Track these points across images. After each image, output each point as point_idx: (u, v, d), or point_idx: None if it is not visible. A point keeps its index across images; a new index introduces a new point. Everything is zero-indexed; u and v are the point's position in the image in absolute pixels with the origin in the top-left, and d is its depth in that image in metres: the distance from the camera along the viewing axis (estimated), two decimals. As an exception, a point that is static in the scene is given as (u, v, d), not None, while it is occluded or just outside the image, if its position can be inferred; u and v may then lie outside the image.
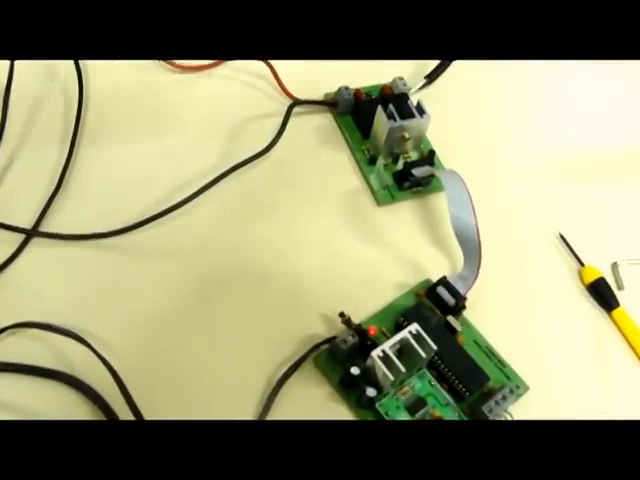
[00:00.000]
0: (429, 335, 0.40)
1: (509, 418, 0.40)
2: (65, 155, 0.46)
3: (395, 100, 0.49)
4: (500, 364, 0.43)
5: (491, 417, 0.40)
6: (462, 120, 0.54)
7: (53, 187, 0.44)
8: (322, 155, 0.49)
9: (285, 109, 0.50)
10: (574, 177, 0.52)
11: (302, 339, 0.42)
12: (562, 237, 0.48)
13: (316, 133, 0.50)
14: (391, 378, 0.38)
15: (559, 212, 0.50)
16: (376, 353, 0.39)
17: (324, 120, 0.51)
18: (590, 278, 0.47)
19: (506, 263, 0.46)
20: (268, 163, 0.48)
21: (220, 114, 0.50)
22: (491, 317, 0.44)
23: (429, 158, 0.48)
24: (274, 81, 0.50)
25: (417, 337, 0.40)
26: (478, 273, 0.43)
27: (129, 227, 0.43)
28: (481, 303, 0.44)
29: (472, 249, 0.44)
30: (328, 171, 0.49)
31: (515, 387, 0.41)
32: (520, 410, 0.40)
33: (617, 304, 0.46)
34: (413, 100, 0.49)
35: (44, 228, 0.43)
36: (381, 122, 0.47)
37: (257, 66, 0.51)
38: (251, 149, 0.48)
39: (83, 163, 0.46)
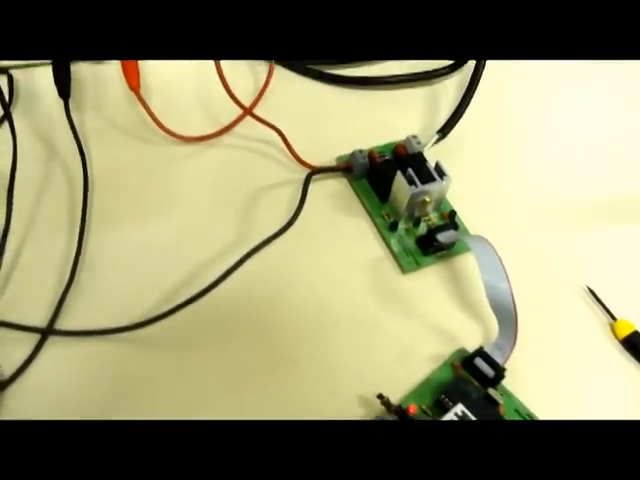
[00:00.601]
0: (471, 410, 0.39)
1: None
2: (75, 244, 0.44)
3: (412, 161, 0.47)
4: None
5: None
6: (477, 173, 0.52)
7: (66, 280, 0.42)
8: (341, 223, 0.48)
9: (298, 176, 0.49)
10: (593, 223, 0.52)
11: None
12: (590, 290, 0.47)
13: (332, 200, 0.49)
14: None
15: (583, 263, 0.49)
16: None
17: (339, 185, 0.50)
18: (624, 332, 0.45)
19: (536, 323, 0.45)
20: (287, 236, 0.46)
21: (232, 186, 0.49)
22: (528, 383, 0.43)
23: (452, 220, 0.47)
24: (284, 147, 0.49)
25: (463, 419, 0.39)
26: (515, 342, 0.42)
27: (150, 320, 0.41)
28: (517, 369, 0.43)
29: (507, 317, 0.42)
30: (348, 240, 0.47)
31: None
32: None
33: (656, 362, 0.45)
34: (428, 157, 0.48)
35: (60, 325, 0.41)
36: (401, 187, 0.46)
37: (265, 133, 0.50)
38: (269, 223, 0.46)
39: (94, 251, 0.44)
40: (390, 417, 0.39)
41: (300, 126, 0.51)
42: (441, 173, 0.46)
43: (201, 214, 0.47)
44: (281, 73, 0.56)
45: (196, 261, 0.45)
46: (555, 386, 0.43)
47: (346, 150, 0.51)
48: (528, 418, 0.42)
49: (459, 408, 0.39)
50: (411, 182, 0.45)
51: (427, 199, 0.46)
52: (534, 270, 0.48)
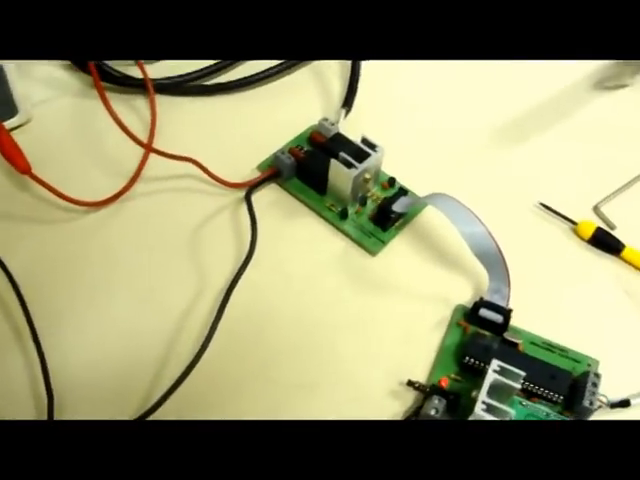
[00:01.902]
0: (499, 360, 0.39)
1: (605, 401, 0.40)
2: (35, 357, 0.39)
3: (335, 144, 0.46)
4: (563, 352, 0.42)
5: (594, 408, 0.39)
6: (393, 135, 0.50)
7: (44, 398, 0.38)
8: (292, 230, 0.46)
9: (228, 199, 0.46)
10: (519, 143, 0.52)
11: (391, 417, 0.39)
12: (544, 205, 0.48)
13: (274, 210, 0.46)
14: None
15: (524, 182, 0.50)
16: (480, 408, 0.37)
17: (273, 194, 0.47)
18: (588, 232, 0.47)
19: (513, 253, 0.44)
20: (254, 266, 0.43)
21: (168, 235, 0.45)
22: (528, 312, 0.43)
23: (396, 187, 0.46)
24: (202, 174, 0.46)
25: (503, 372, 0.38)
26: (509, 280, 0.42)
27: (152, 408, 0.37)
28: (511, 303, 0.43)
29: (494, 258, 0.42)
30: (307, 244, 0.45)
31: (594, 370, 0.41)
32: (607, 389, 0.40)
33: (623, 244, 0.47)
34: (346, 134, 0.47)
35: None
36: (341, 174, 0.44)
37: (175, 167, 0.47)
38: (226, 257, 0.44)
39: (57, 357, 0.40)
40: (435, 400, 0.38)
41: (205, 148, 0.48)
42: (371, 146, 0.45)
43: (150, 276, 0.43)
44: (161, 101, 0.51)
45: (170, 329, 0.41)
46: (552, 305, 0.44)
47: (261, 157, 0.48)
48: (545, 346, 0.43)
49: (495, 364, 0.38)
50: (349, 165, 0.44)
51: (367, 176, 0.45)
52: (488, 202, 0.46)
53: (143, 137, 0.48)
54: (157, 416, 0.37)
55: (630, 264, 0.46)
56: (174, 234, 0.45)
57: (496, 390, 0.38)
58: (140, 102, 0.51)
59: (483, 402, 0.37)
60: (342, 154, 0.44)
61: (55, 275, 0.43)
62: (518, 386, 0.38)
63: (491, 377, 0.38)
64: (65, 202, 0.45)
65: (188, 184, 0.47)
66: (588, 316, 0.44)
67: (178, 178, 0.47)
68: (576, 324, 0.44)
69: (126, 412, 0.38)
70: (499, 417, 0.37)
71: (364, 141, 0.45)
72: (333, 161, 0.44)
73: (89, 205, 0.45)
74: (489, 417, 0.37)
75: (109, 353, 0.40)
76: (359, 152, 0.45)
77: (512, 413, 0.37)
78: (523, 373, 0.38)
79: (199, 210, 0.46)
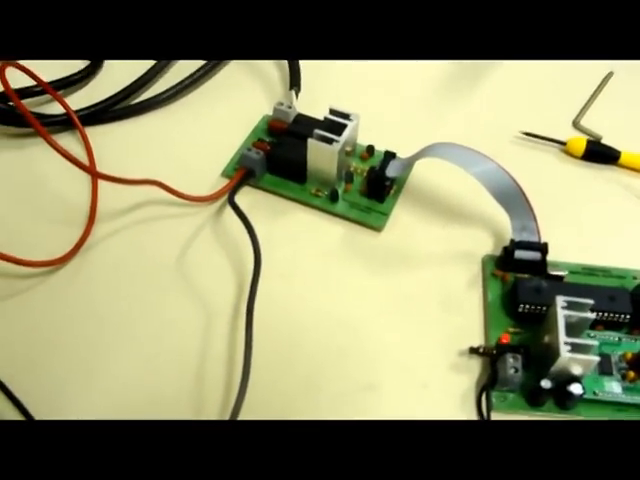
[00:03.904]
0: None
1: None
2: None
3: (302, 127, 0.41)
4: (605, 272, 0.40)
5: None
6: (354, 100, 0.44)
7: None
8: (284, 230, 0.41)
9: (203, 215, 0.41)
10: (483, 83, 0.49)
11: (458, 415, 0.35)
12: (527, 133, 0.45)
13: (255, 214, 0.40)
14: (597, 358, 0.33)
15: (502, 115, 0.47)
16: (565, 350, 0.33)
17: (249, 196, 0.42)
18: (580, 148, 0.44)
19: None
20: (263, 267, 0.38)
21: (155, 271, 0.39)
22: (555, 242, 0.39)
23: (382, 153, 0.42)
24: (166, 196, 0.40)
25: (571, 305, 0.35)
26: (533, 211, 0.39)
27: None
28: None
29: (512, 193, 0.39)
30: (306, 240, 0.40)
31: None
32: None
33: (618, 151, 0.44)
34: (306, 112, 0.43)
35: None
36: (322, 153, 0.39)
37: (133, 195, 0.41)
38: (227, 279, 0.39)
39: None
40: (510, 359, 0.34)
41: (157, 169, 0.42)
42: (343, 115, 0.41)
43: (148, 324, 0.37)
44: (90, 133, 0.45)
45: (192, 378, 0.35)
46: (574, 229, 0.42)
47: (222, 162, 0.43)
48: (587, 271, 0.40)
49: (560, 300, 0.35)
50: (329, 141, 0.39)
51: (349, 149, 0.41)
52: (471, 144, 0.41)
53: (85, 179, 0.42)
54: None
55: (630, 169, 0.44)
56: (158, 269, 0.39)
57: (569, 328, 0.34)
58: (67, 139, 0.45)
59: (565, 343, 0.34)
60: (317, 131, 0.39)
61: (36, 355, 0.36)
62: (592, 315, 0.35)
63: (562, 315, 0.35)
64: (21, 267, 0.38)
65: (153, 211, 0.41)
66: (612, 230, 0.42)
67: (140, 207, 0.41)
68: (604, 241, 0.41)
69: None
70: (585, 353, 0.34)
71: (333, 112, 0.41)
72: (310, 141, 0.39)
73: (49, 264, 0.38)
74: (578, 356, 0.34)
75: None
76: (333, 125, 0.40)
77: (596, 343, 0.34)
78: (591, 301, 0.35)
79: (175, 236, 0.40)
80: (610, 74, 0.49)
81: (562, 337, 0.34)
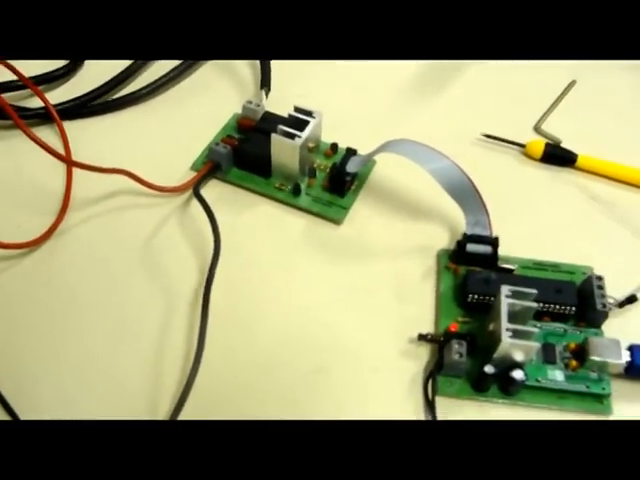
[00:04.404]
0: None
1: (612, 301, 0.39)
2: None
3: (269, 124, 0.43)
4: (555, 267, 0.41)
5: (607, 309, 0.38)
6: (322, 98, 0.48)
7: None
8: (248, 222, 0.42)
9: (169, 206, 0.43)
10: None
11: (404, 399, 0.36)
12: (487, 135, 0.47)
13: (222, 205, 0.42)
14: (538, 344, 0.35)
15: (464, 118, 0.49)
16: (506, 336, 0.35)
17: (216, 189, 0.44)
18: (539, 151, 0.46)
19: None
20: (221, 265, 0.39)
21: (120, 259, 0.41)
22: (507, 239, 0.41)
23: (344, 150, 0.44)
24: (135, 186, 0.42)
25: (515, 294, 0.36)
26: (486, 208, 0.40)
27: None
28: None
29: (465, 189, 0.40)
30: (269, 231, 0.42)
31: (597, 278, 0.39)
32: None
33: (575, 154, 0.46)
34: (275, 111, 0.45)
35: None
36: (284, 148, 0.41)
37: (104, 185, 0.43)
38: (190, 266, 0.40)
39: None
40: (455, 345, 0.36)
41: (130, 161, 0.43)
42: (307, 113, 0.42)
43: (114, 306, 0.39)
44: (69, 127, 0.46)
45: (153, 355, 0.37)
46: (528, 227, 0.43)
47: (192, 157, 0.45)
48: (536, 266, 0.41)
49: (504, 290, 0.36)
50: (292, 136, 0.41)
51: (311, 145, 0.43)
52: (433, 144, 0.42)
53: (60, 169, 0.44)
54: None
55: (587, 171, 0.46)
56: (125, 256, 0.41)
57: (513, 316, 0.36)
58: (46, 132, 0.47)
59: (507, 329, 0.35)
60: (281, 127, 0.41)
61: (8, 333, 0.38)
62: (534, 305, 0.36)
63: (505, 303, 0.36)
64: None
65: (123, 201, 0.43)
66: (566, 229, 0.43)
67: (111, 197, 0.43)
68: (557, 239, 0.43)
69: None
70: (525, 339, 0.35)
71: (297, 110, 0.43)
72: (274, 136, 0.41)
73: (23, 246, 0.40)
74: (518, 342, 0.35)
75: (93, 402, 0.35)
76: (296, 122, 0.42)
77: (536, 330, 0.35)
78: (534, 291, 0.37)
79: (143, 223, 0.42)
80: (573, 82, 0.51)
81: (504, 324, 0.35)
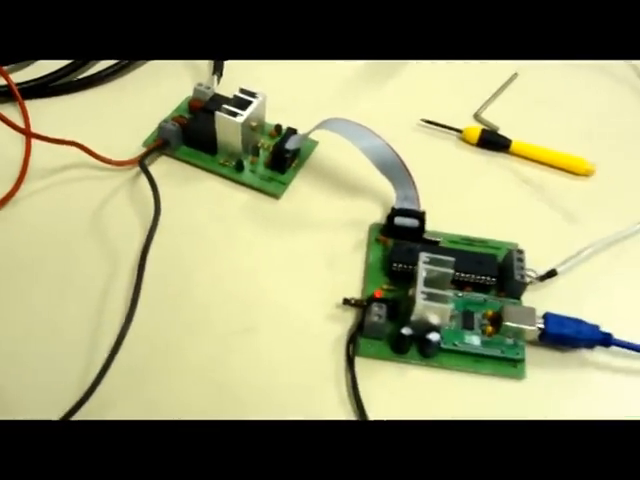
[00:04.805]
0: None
1: (534, 275, 0.42)
2: None
3: (216, 103, 0.45)
4: (482, 242, 0.44)
5: (526, 282, 0.40)
6: (270, 83, 0.49)
7: None
8: (193, 195, 0.45)
9: (121, 179, 0.45)
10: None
11: (328, 359, 0.39)
12: (427, 120, 0.50)
13: (169, 179, 0.45)
14: (451, 306, 0.37)
15: (405, 103, 0.52)
16: (420, 298, 0.37)
17: (163, 165, 0.46)
18: (475, 136, 0.49)
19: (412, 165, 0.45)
20: (161, 230, 0.42)
21: (71, 225, 0.43)
22: (439, 217, 0.44)
23: (285, 131, 0.47)
24: (92, 161, 0.45)
25: (433, 262, 0.39)
26: (414, 183, 0.43)
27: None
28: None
29: (395, 167, 0.43)
30: (212, 204, 0.45)
31: (517, 252, 0.42)
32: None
33: (509, 140, 0.48)
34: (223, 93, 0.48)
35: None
36: (228, 126, 0.44)
37: (65, 155, 0.45)
38: (134, 233, 0.43)
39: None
40: (375, 308, 0.38)
41: (86, 137, 0.45)
42: (251, 94, 0.45)
43: (60, 268, 0.41)
44: (30, 105, 0.49)
45: (92, 312, 0.39)
46: (460, 207, 0.46)
47: (144, 136, 0.48)
48: (464, 241, 0.43)
49: (423, 256, 0.39)
50: (234, 114, 0.44)
51: (254, 124, 0.45)
52: (375, 127, 0.45)
53: (19, 142, 0.46)
54: (93, 401, 0.35)
55: (520, 156, 0.48)
56: (75, 223, 0.43)
57: (431, 283, 0.38)
58: (9, 109, 0.49)
59: (422, 292, 0.38)
60: (224, 106, 0.44)
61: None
62: (451, 271, 0.39)
63: (423, 269, 0.39)
64: None
65: (76, 173, 0.46)
66: (497, 208, 0.46)
67: (65, 169, 0.46)
68: (487, 218, 0.45)
69: (60, 404, 0.35)
70: (440, 303, 0.37)
71: (243, 91, 0.45)
72: (218, 114, 0.44)
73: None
74: (432, 304, 0.37)
75: (35, 347, 0.38)
76: (240, 102, 0.45)
77: (450, 294, 0.38)
78: (452, 259, 0.39)
79: (94, 194, 0.45)
80: (515, 75, 0.53)
81: (420, 287, 0.37)
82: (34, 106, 0.49)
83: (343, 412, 0.37)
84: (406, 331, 0.38)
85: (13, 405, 0.36)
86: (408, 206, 0.43)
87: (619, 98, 0.54)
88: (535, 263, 0.41)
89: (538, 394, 0.38)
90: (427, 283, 0.38)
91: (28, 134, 0.45)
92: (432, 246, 0.42)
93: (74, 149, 0.44)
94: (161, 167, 0.46)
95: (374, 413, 0.36)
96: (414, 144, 0.48)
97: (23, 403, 0.36)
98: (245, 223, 0.44)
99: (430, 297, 0.37)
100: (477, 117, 0.50)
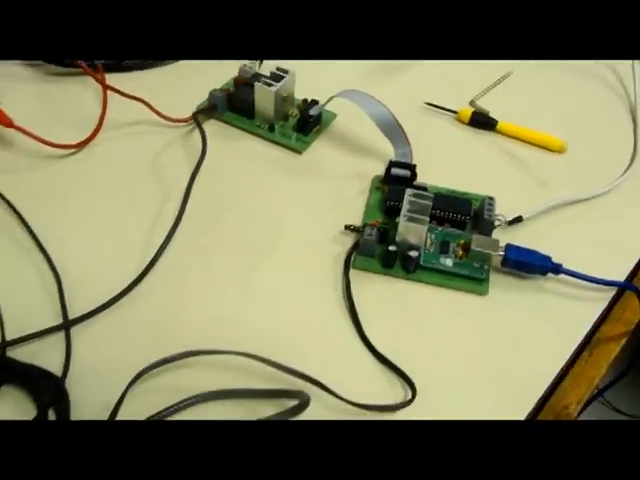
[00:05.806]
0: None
1: (503, 219, 0.51)
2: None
3: (257, 79, 0.57)
4: (464, 194, 0.53)
5: (495, 222, 0.50)
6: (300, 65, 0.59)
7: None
8: (234, 149, 0.56)
9: (178, 134, 0.57)
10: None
11: (331, 259, 0.49)
12: (429, 104, 0.60)
13: (215, 139, 0.56)
14: (424, 228, 0.47)
15: (412, 89, 0.62)
16: (403, 219, 0.47)
17: (211, 126, 0.58)
18: (467, 116, 0.59)
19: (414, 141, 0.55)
20: (208, 176, 0.54)
21: (136, 166, 0.54)
22: (431, 176, 0.54)
23: (311, 102, 0.57)
24: (154, 117, 0.56)
25: (416, 195, 0.48)
26: (409, 142, 0.53)
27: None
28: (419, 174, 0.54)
29: (395, 130, 0.54)
30: (248, 157, 0.56)
31: (488, 198, 0.51)
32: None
33: (496, 120, 0.58)
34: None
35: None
36: (265, 94, 0.55)
37: (133, 111, 0.57)
38: (184, 174, 0.54)
39: (62, 263, 0.48)
40: (369, 229, 0.48)
41: (150, 98, 0.57)
42: (284, 71, 0.56)
43: (125, 195, 0.52)
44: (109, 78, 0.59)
45: (147, 225, 0.51)
46: (450, 168, 0.56)
47: (196, 101, 0.59)
48: (449, 193, 0.53)
49: (409, 192, 0.49)
50: (270, 85, 0.55)
51: (285, 94, 0.56)
52: (392, 105, 0.56)
53: (99, 101, 0.58)
54: (143, 285, 0.46)
55: (505, 135, 0.58)
56: (138, 163, 0.55)
57: (414, 212, 0.48)
58: (90, 81, 0.61)
59: (404, 215, 0.47)
60: (263, 78, 0.55)
61: (50, 204, 0.52)
62: (430, 203, 0.48)
63: (407, 200, 0.48)
64: (47, 147, 0.54)
65: (141, 126, 0.57)
66: (480, 173, 0.56)
67: (133, 124, 0.58)
68: (472, 179, 0.55)
69: (121, 281, 0.46)
70: (419, 225, 0.47)
71: (278, 69, 0.57)
72: (257, 84, 0.55)
73: (66, 147, 0.54)
74: (411, 225, 0.47)
75: (104, 249, 0.49)
76: (275, 76, 0.56)
77: (427, 219, 0.47)
78: (432, 194, 0.49)
79: (154, 143, 0.56)
80: (509, 72, 0.64)
81: (403, 212, 0.47)
82: (112, 78, 0.61)
83: (339, 309, 0.46)
84: (392, 247, 0.48)
85: (88, 278, 0.47)
86: (404, 159, 0.53)
87: (591, 91, 0.64)
88: (506, 212, 0.51)
89: (498, 309, 0.47)
90: (410, 211, 0.48)
91: (104, 86, 0.57)
92: (420, 191, 0.52)
93: (141, 106, 0.56)
94: (209, 127, 0.57)
95: (363, 314, 0.46)
96: (418, 121, 0.58)
97: (95, 281, 0.47)
98: (273, 172, 0.55)
99: (410, 219, 0.47)
100: (472, 103, 0.60)
